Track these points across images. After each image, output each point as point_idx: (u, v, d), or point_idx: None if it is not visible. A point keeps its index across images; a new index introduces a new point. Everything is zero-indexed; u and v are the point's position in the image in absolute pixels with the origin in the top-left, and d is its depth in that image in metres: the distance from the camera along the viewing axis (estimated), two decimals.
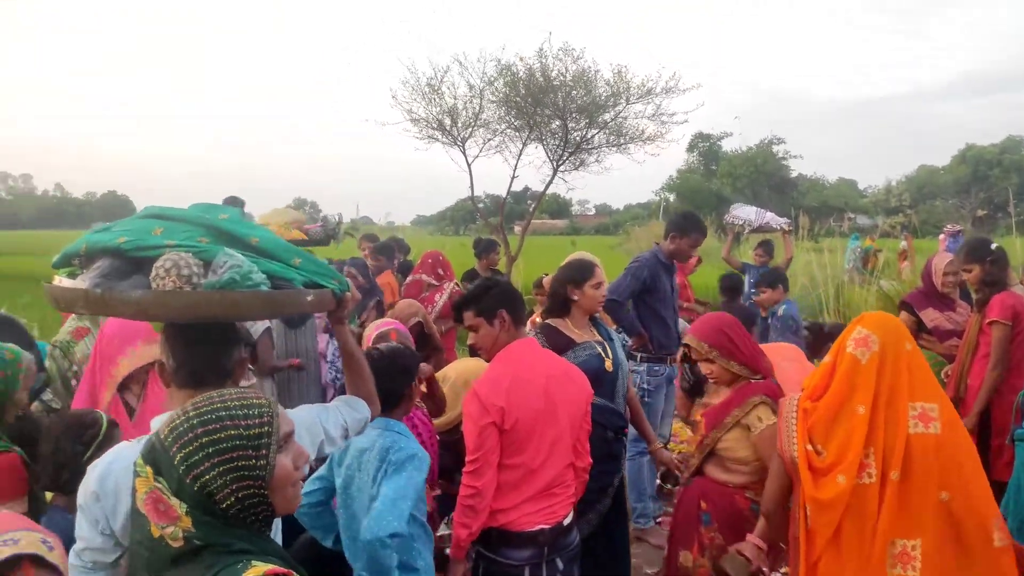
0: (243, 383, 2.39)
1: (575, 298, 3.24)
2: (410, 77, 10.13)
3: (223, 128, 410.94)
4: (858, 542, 2.07)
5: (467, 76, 10.05)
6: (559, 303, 3.30)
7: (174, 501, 1.19)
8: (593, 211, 77.85)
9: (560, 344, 3.16)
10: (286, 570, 1.19)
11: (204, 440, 1.20)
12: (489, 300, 2.66)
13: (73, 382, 3.53)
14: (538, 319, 4.40)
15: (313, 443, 1.82)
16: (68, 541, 2.10)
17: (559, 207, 56.17)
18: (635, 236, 29.74)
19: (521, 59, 9.92)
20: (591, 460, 2.81)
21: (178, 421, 1.23)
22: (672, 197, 41.92)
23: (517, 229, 17.65)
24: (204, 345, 1.71)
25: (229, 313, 1.64)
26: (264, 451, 1.23)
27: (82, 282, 1.64)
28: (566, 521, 2.64)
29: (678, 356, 3.16)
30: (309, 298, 1.77)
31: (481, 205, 12.34)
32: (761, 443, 2.69)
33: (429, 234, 51.46)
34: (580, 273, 3.26)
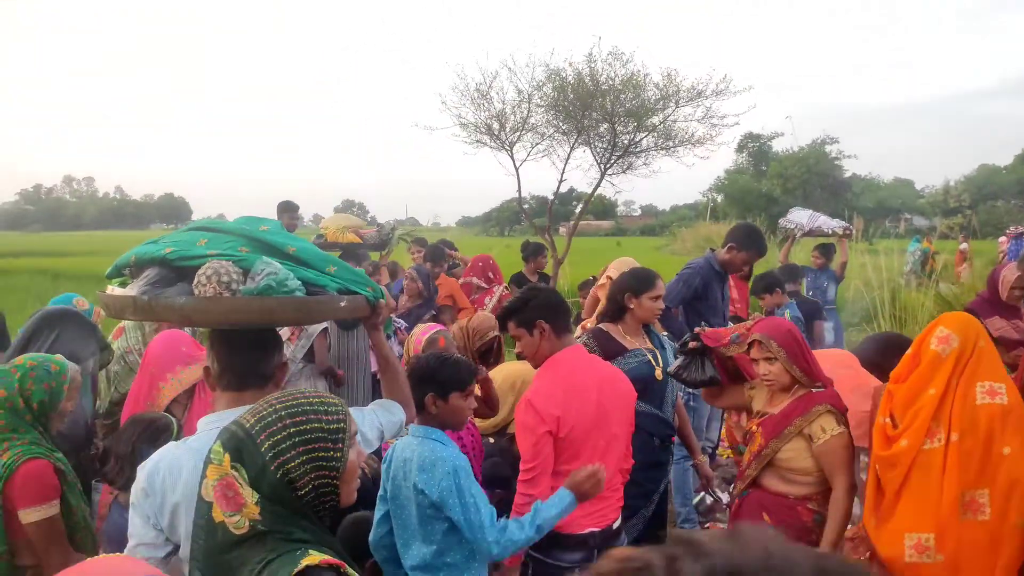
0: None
1: (631, 306, 3.26)
2: (459, 82, 10.17)
3: (270, 131, 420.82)
4: (926, 494, 2.44)
5: (516, 81, 10.03)
6: (615, 308, 3.31)
7: (246, 491, 1.25)
8: (639, 212, 77.29)
9: (611, 350, 3.17)
10: (339, 561, 1.26)
11: (292, 430, 1.28)
12: (528, 311, 2.69)
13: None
14: (589, 324, 4.41)
15: None
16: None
17: (604, 208, 55.84)
18: (681, 237, 29.36)
19: (570, 64, 9.86)
20: (633, 462, 2.84)
21: (265, 412, 1.31)
22: (720, 198, 41.24)
23: (562, 230, 17.60)
24: (246, 350, 1.79)
25: (265, 318, 1.70)
26: (341, 445, 1.32)
27: (131, 290, 1.72)
28: (615, 525, 2.69)
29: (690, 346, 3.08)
30: (342, 304, 1.82)
31: (526, 206, 12.32)
32: (825, 454, 2.64)
33: (475, 235, 51.77)
34: (640, 283, 3.28)
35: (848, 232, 7.64)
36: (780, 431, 2.73)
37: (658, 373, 3.24)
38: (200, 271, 1.67)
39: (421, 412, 2.36)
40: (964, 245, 15.53)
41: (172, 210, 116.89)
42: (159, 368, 2.88)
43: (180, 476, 1.65)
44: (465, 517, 2.18)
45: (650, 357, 3.24)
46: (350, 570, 1.29)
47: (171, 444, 1.79)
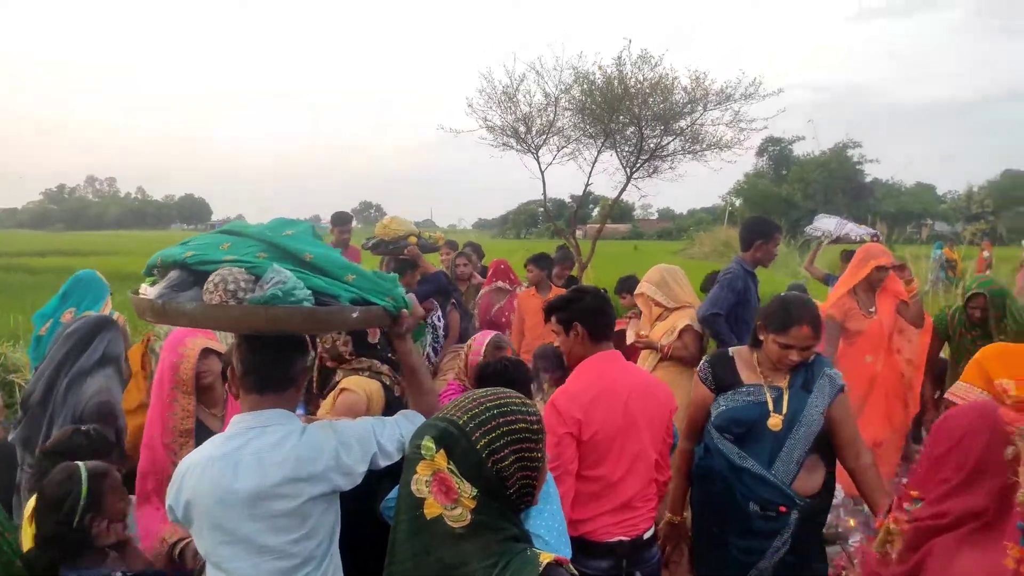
0: None
1: (761, 338, 2.82)
2: (486, 85, 10.15)
3: (290, 132, 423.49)
4: None
5: (543, 84, 10.00)
6: (754, 335, 2.91)
7: (464, 485, 1.29)
8: (656, 216, 76.91)
9: (724, 380, 2.86)
10: (566, 559, 1.33)
11: (504, 428, 1.33)
12: (568, 312, 2.68)
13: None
14: (642, 332, 4.42)
15: (365, 455, 1.83)
16: None
17: (621, 211, 55.59)
18: (700, 241, 29.17)
19: (599, 67, 9.79)
20: (669, 476, 2.78)
21: (476, 409, 1.35)
22: (739, 202, 41.03)
23: (578, 234, 17.55)
24: (269, 353, 1.80)
25: (274, 326, 1.68)
26: (541, 445, 1.38)
27: (153, 292, 1.76)
28: (646, 535, 2.63)
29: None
30: (355, 315, 1.77)
31: (542, 209, 12.30)
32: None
33: (491, 238, 51.82)
34: (768, 319, 2.78)
35: (876, 239, 7.59)
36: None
37: (772, 421, 2.69)
38: (210, 278, 1.68)
39: None
40: (986, 253, 15.35)
41: (192, 211, 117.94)
42: (172, 350, 2.83)
43: (195, 472, 1.73)
44: (548, 526, 2.11)
45: (768, 397, 2.74)
46: (571, 566, 1.33)
47: (207, 441, 1.82)
